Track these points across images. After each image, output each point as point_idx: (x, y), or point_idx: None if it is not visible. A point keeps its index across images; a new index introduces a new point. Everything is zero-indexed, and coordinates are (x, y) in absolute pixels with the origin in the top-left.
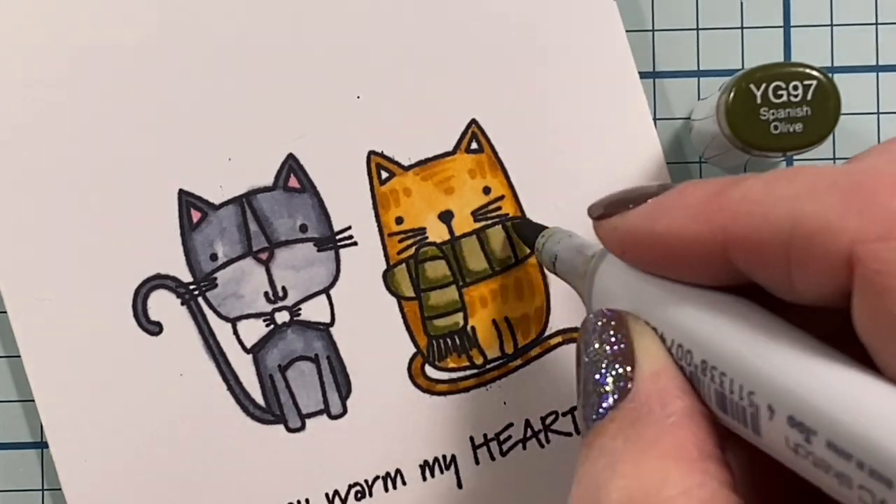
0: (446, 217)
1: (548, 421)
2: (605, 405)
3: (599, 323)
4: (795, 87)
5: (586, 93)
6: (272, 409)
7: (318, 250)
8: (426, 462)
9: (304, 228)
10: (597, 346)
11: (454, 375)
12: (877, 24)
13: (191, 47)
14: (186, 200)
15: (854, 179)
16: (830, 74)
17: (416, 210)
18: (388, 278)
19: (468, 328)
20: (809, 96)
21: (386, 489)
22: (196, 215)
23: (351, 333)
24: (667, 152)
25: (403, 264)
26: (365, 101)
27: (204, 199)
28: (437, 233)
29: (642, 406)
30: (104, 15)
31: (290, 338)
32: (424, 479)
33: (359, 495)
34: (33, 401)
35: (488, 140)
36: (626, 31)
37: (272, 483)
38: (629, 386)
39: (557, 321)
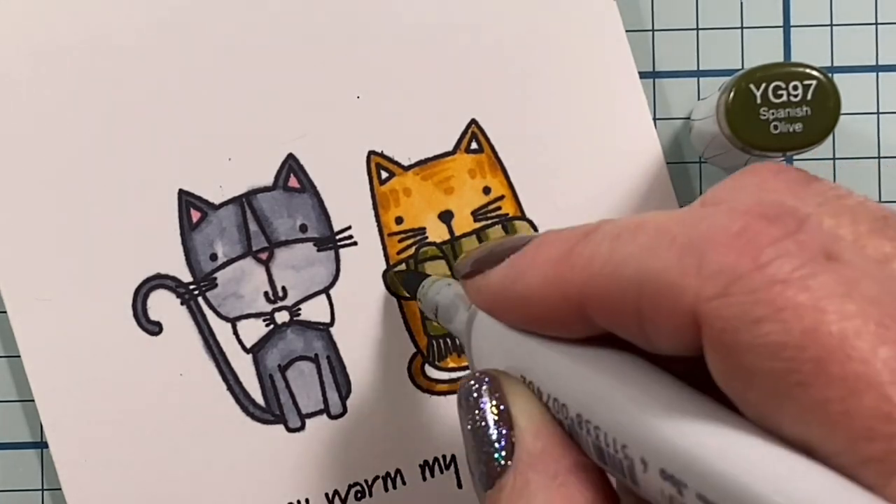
0: (446, 217)
1: None
2: (493, 473)
3: (473, 388)
4: (795, 87)
5: (586, 93)
6: (272, 408)
7: (318, 250)
8: (426, 462)
9: (303, 228)
10: (476, 412)
11: (454, 375)
12: (877, 24)
13: (191, 47)
14: (186, 200)
15: (691, 235)
16: (830, 74)
17: (415, 210)
18: (388, 278)
19: None
20: (809, 96)
21: (386, 489)
22: (196, 215)
23: (351, 333)
24: (667, 152)
25: (403, 264)
26: (365, 101)
27: (204, 198)
28: (437, 233)
29: (528, 471)
30: (104, 15)
31: (290, 338)
32: (424, 479)
33: (359, 495)
34: (33, 401)
35: (488, 140)
36: (626, 31)
37: (272, 483)
38: (512, 450)
39: None
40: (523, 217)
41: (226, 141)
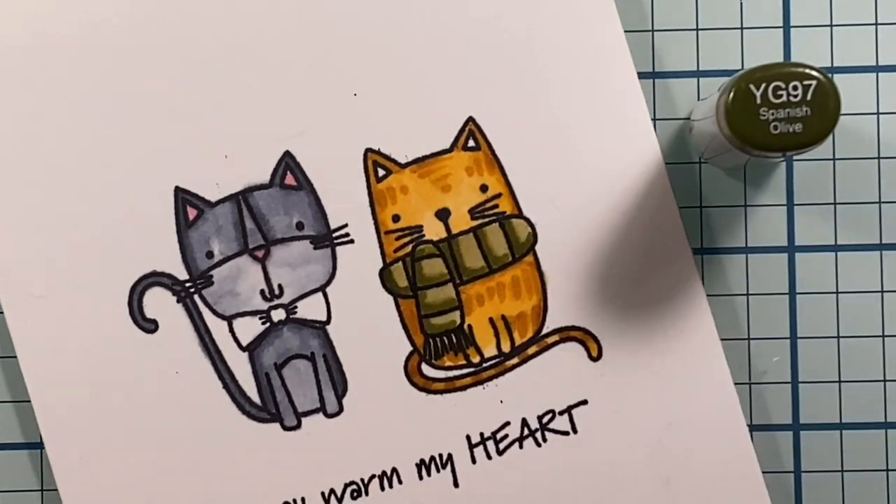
0: (443, 215)
1: (544, 420)
2: None
3: None
4: (795, 88)
5: (584, 91)
6: (268, 407)
7: (315, 248)
8: (422, 461)
9: (300, 226)
10: None
11: (451, 374)
12: (877, 24)
13: (188, 45)
14: (182, 198)
15: None
16: (830, 74)
17: (412, 208)
18: (385, 276)
19: (465, 326)
20: (809, 96)
21: (382, 488)
22: (192, 213)
23: (347, 331)
24: (666, 152)
25: (400, 262)
26: (362, 99)
27: (200, 196)
28: (434, 230)
29: None
30: (101, 12)
31: (286, 336)
32: (421, 477)
33: (355, 494)
34: (27, 402)
35: (485, 138)
36: (626, 31)
37: (268, 481)
38: None
39: (554, 320)
40: (521, 215)
41: (222, 138)
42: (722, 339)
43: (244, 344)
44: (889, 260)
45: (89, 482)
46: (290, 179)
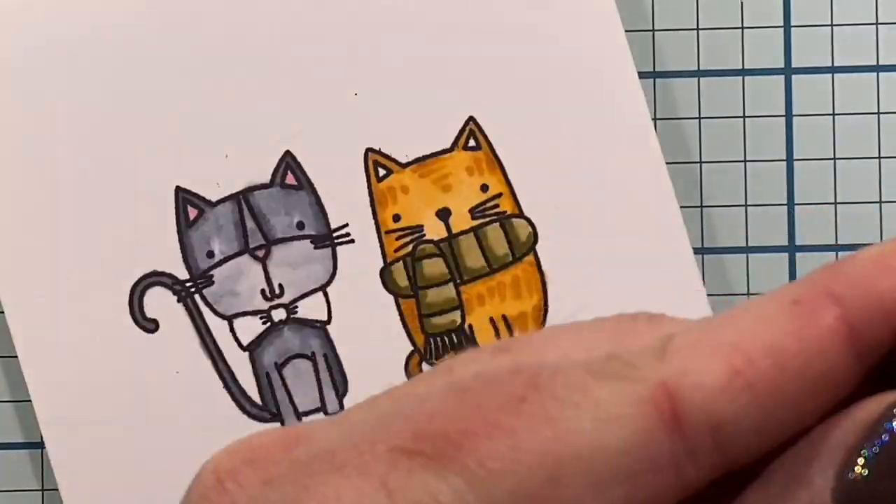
0: (444, 214)
1: None
2: None
3: None
4: None
5: (584, 91)
6: (269, 407)
7: (315, 248)
8: None
9: (301, 226)
10: None
11: None
12: (877, 24)
13: (188, 44)
14: (183, 197)
15: None
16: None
17: (413, 207)
18: (386, 276)
19: (465, 326)
20: None
21: None
22: (193, 212)
23: (348, 331)
24: (666, 152)
25: (401, 262)
26: (362, 99)
27: (201, 196)
28: (435, 230)
29: None
30: (100, 11)
31: (287, 336)
32: None
33: None
34: (27, 401)
35: (486, 137)
36: (626, 31)
37: None
38: None
39: (555, 320)
40: (521, 215)
41: (223, 138)
42: None
43: (245, 344)
44: None
45: (90, 481)
46: (290, 179)
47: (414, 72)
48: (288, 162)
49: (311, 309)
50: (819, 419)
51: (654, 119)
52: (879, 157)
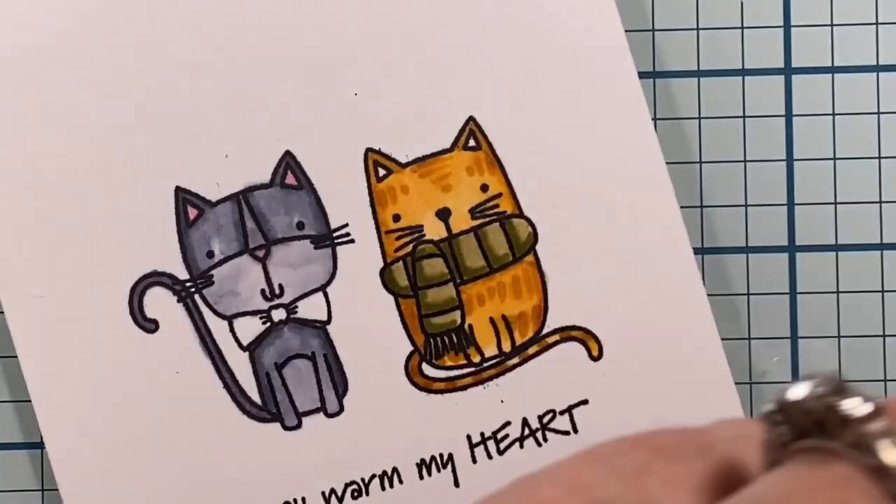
0: (444, 214)
1: (545, 419)
2: None
3: None
4: None
5: (584, 91)
6: (268, 407)
7: (315, 248)
8: (423, 460)
9: (301, 226)
10: None
11: (451, 374)
12: (877, 24)
13: (187, 43)
14: (183, 197)
15: None
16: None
17: (413, 207)
18: (386, 276)
19: (466, 326)
20: None
21: (382, 488)
22: (193, 212)
23: (348, 331)
24: (666, 152)
25: (400, 262)
26: (362, 98)
27: (201, 196)
28: (435, 230)
29: None
30: (99, 10)
31: (287, 336)
32: (421, 477)
33: (355, 494)
34: (27, 401)
35: (486, 137)
36: (626, 30)
37: (268, 482)
38: None
39: (555, 319)
40: (521, 215)
41: (223, 138)
42: (722, 339)
43: (244, 343)
44: (889, 260)
45: (90, 481)
46: (290, 179)
47: (414, 72)
48: (288, 162)
49: (311, 309)
50: None
51: (654, 119)
52: (879, 157)
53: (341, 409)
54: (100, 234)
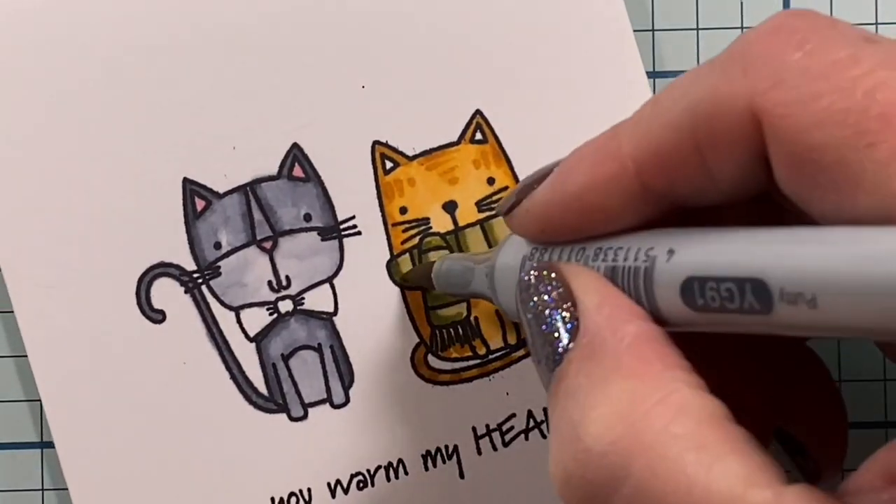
0: (450, 207)
1: None
2: (559, 350)
3: (533, 276)
4: None
5: (591, 85)
6: (275, 397)
7: (322, 240)
8: (428, 452)
9: (308, 217)
10: (535, 298)
11: (457, 365)
12: (877, 24)
13: (196, 35)
14: (191, 189)
15: (727, 52)
16: None
17: (420, 200)
18: (392, 268)
19: (471, 318)
20: None
21: (388, 479)
22: (200, 204)
23: (354, 323)
24: None
25: (407, 254)
26: (370, 91)
27: (208, 187)
28: (441, 223)
29: (595, 338)
30: (105, 3)
31: (294, 327)
32: (426, 469)
33: (361, 485)
34: (37, 401)
35: (493, 131)
36: None
37: (274, 472)
38: (577, 325)
39: None
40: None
41: (231, 130)
42: None
43: (251, 335)
44: None
45: (97, 471)
46: (297, 171)
47: (421, 65)
48: (295, 154)
49: (317, 300)
50: None
51: None
52: None
53: (347, 401)
54: (107, 224)
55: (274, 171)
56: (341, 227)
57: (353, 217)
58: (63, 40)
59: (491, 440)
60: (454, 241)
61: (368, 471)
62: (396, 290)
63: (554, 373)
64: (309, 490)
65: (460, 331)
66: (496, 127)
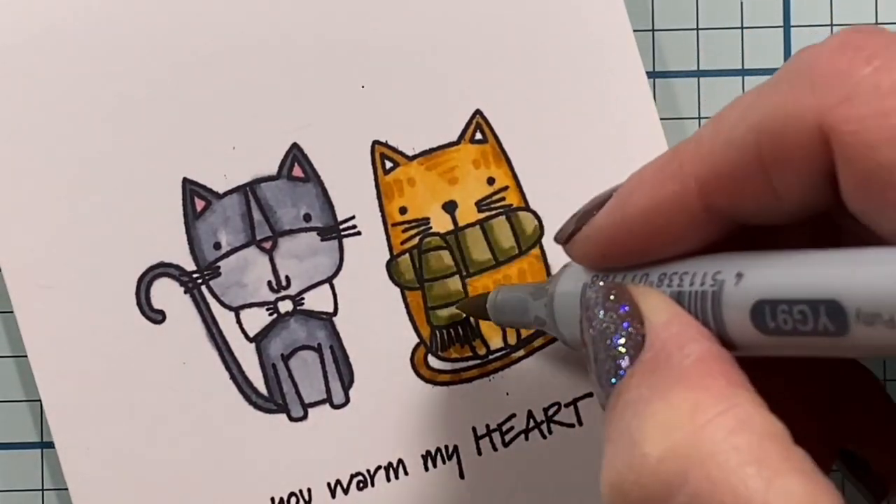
0: (450, 207)
1: (550, 412)
2: (622, 365)
3: (600, 293)
4: None
5: (591, 85)
6: (274, 398)
7: (322, 240)
8: (428, 452)
9: (307, 218)
10: (602, 314)
11: (457, 366)
12: (877, 24)
13: (195, 35)
14: (190, 189)
15: (792, 69)
16: None
17: (420, 200)
18: (392, 268)
19: (471, 319)
20: None
21: (388, 479)
22: (200, 204)
23: (354, 323)
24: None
25: (407, 254)
26: (369, 91)
27: (208, 187)
28: (441, 223)
29: (660, 353)
30: (106, 4)
31: (293, 327)
32: (426, 469)
33: (361, 485)
34: (37, 401)
35: (493, 131)
36: None
37: (274, 472)
38: (642, 340)
39: None
40: (527, 208)
41: (230, 130)
42: None
43: (251, 335)
44: None
45: (97, 471)
46: (297, 171)
47: (421, 65)
48: (295, 154)
49: (317, 301)
50: None
51: None
52: None
53: (347, 401)
54: (107, 224)
55: (274, 171)
56: (341, 227)
57: (353, 217)
58: (63, 40)
59: (491, 440)
60: (454, 242)
61: (368, 471)
62: (396, 290)
63: (614, 387)
64: (309, 490)
65: (460, 331)
66: (496, 127)
